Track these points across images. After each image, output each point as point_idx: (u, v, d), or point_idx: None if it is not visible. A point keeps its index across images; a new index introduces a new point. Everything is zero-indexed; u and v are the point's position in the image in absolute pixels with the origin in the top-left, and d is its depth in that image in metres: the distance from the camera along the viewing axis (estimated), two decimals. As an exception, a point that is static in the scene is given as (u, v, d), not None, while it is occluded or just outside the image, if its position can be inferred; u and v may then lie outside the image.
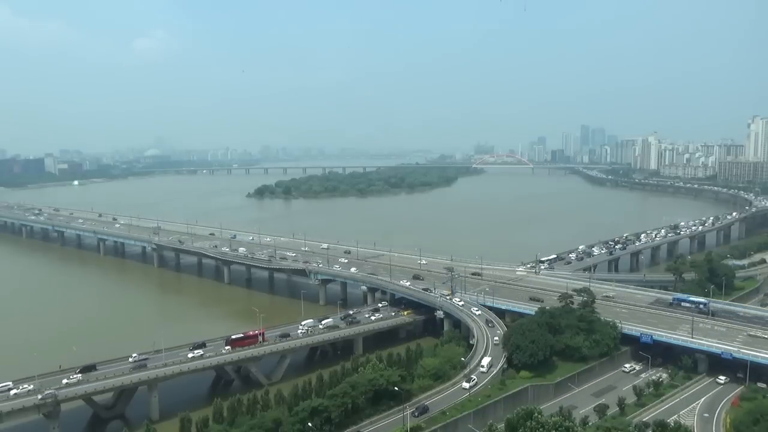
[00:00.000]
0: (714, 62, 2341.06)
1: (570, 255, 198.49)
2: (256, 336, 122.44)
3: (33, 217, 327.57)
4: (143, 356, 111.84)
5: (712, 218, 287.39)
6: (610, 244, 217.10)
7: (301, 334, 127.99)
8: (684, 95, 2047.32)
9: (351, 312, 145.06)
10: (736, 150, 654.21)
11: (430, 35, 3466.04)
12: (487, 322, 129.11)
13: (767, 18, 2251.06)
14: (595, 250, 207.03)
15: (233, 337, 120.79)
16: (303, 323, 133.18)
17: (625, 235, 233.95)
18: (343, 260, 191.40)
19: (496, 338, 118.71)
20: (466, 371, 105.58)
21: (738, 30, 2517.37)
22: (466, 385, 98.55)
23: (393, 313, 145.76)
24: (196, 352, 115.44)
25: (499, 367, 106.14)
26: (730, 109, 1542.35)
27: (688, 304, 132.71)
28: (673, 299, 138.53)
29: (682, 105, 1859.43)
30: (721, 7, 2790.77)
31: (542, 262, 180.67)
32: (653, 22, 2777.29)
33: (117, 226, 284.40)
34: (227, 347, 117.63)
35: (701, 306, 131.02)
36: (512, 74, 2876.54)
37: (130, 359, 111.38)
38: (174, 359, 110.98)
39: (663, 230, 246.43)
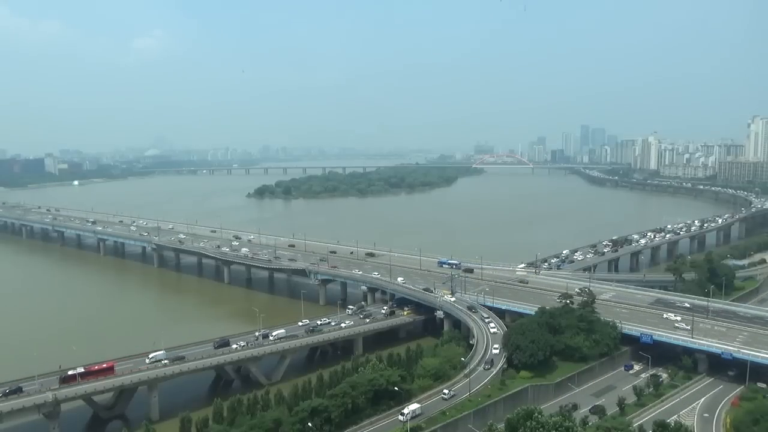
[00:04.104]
0: (714, 62, 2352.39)
1: (552, 260, 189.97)
2: (103, 370, 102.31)
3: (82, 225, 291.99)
4: None
5: (698, 221, 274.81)
6: (607, 245, 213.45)
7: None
8: (684, 95, 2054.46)
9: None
10: (736, 150, 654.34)
11: (430, 35, 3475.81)
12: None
13: (767, 18, 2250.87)
14: (579, 255, 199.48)
15: (70, 373, 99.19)
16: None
17: (614, 237, 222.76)
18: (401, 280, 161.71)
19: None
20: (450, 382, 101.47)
21: (738, 30, 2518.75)
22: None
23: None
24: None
25: (498, 367, 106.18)
26: (730, 109, 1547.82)
27: (447, 266, 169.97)
28: (438, 262, 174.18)
29: (682, 105, 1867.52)
30: (721, 7, 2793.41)
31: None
32: (653, 22, 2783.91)
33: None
34: (62, 384, 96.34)
35: (454, 266, 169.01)
36: (512, 74, 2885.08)
37: None
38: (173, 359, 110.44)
39: (650, 233, 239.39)
